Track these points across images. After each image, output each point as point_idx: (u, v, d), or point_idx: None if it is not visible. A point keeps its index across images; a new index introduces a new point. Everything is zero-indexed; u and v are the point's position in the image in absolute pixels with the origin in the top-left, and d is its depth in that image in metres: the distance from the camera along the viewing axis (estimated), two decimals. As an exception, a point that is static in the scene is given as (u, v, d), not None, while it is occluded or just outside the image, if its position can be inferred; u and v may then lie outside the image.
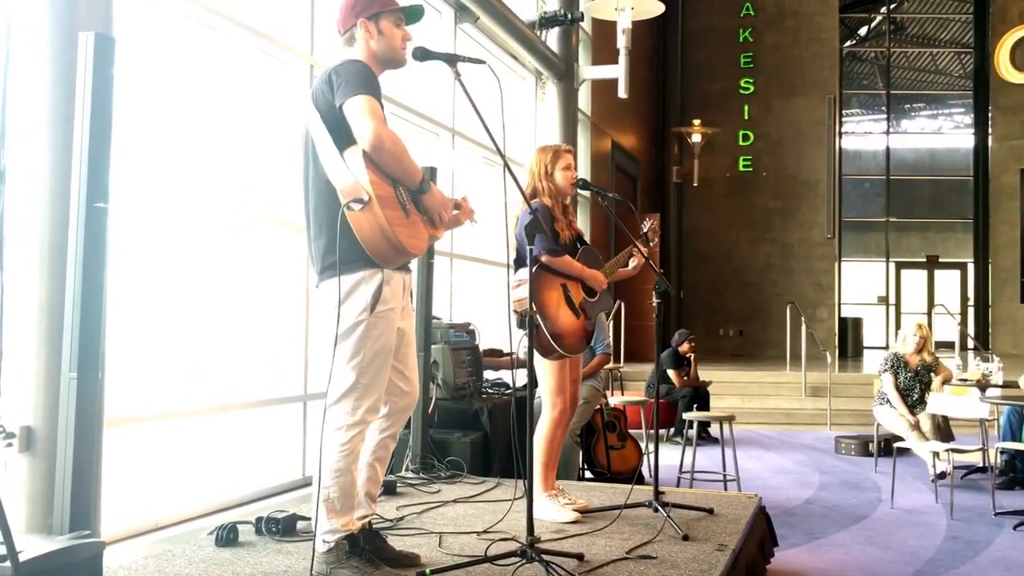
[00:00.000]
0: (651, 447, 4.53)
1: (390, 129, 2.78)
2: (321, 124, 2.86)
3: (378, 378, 2.92)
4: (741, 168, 17.12)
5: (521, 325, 3.62)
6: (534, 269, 3.80)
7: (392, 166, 2.81)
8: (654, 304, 4.14)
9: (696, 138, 16.61)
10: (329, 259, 2.87)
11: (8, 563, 2.35)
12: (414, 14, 3.09)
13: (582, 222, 11.56)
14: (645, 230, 4.37)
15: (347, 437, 2.89)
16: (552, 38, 10.02)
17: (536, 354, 3.87)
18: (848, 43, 20.02)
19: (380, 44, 2.99)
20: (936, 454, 6.38)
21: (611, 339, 7.44)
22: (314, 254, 2.96)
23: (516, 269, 4.00)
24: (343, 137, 2.83)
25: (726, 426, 6.35)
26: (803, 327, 11.85)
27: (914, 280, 20.06)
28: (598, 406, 6.56)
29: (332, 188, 2.86)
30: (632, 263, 4.26)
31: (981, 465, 7.03)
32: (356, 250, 2.82)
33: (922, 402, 7.07)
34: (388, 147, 2.76)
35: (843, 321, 17.46)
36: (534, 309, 3.57)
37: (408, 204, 2.90)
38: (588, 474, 6.54)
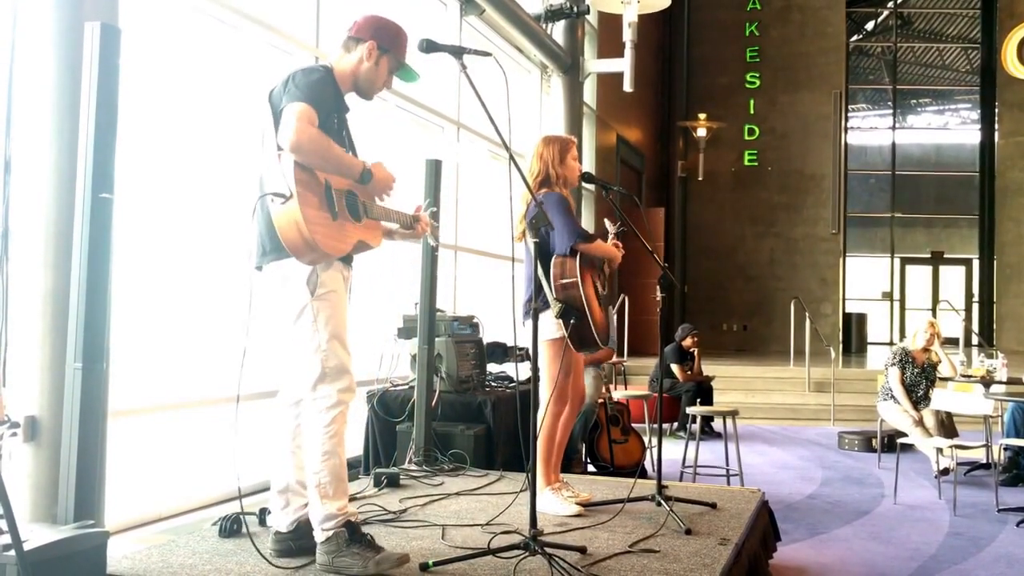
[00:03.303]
0: (654, 441, 4.53)
1: (313, 130, 2.82)
2: (271, 121, 2.93)
3: (342, 359, 2.96)
4: (746, 162, 17.08)
5: (562, 316, 3.60)
6: (577, 258, 3.83)
7: (318, 164, 2.86)
8: (658, 298, 4.13)
9: (701, 132, 16.58)
10: (265, 246, 2.96)
11: (13, 552, 2.36)
12: (407, 75, 3.23)
13: (586, 215, 11.55)
14: (614, 231, 4.35)
15: (329, 418, 2.93)
16: (558, 31, 10.01)
17: (541, 348, 3.87)
18: (855, 38, 19.95)
19: (368, 72, 3.11)
20: (939, 450, 6.38)
21: (615, 335, 7.44)
22: (255, 238, 3.02)
23: (536, 255, 3.96)
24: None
25: (729, 421, 6.35)
26: (807, 322, 11.83)
27: (919, 276, 20.02)
28: (601, 400, 6.56)
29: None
30: None
31: (984, 462, 7.02)
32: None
33: (926, 398, 7.07)
34: (307, 147, 2.80)
35: (847, 317, 17.43)
36: (538, 301, 3.57)
37: (339, 207, 2.95)
38: (591, 468, 6.54)
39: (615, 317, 8.04)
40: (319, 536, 2.93)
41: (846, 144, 17.94)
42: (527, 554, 3.01)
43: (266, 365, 5.28)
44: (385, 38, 3.11)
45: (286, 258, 2.89)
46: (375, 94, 3.19)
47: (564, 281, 3.81)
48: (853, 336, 17.35)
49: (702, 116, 16.62)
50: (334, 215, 2.92)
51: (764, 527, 4.15)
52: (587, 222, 11.35)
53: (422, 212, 3.44)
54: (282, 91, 2.93)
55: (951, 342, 13.95)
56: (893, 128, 19.99)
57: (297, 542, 3.07)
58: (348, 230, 2.98)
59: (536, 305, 3.44)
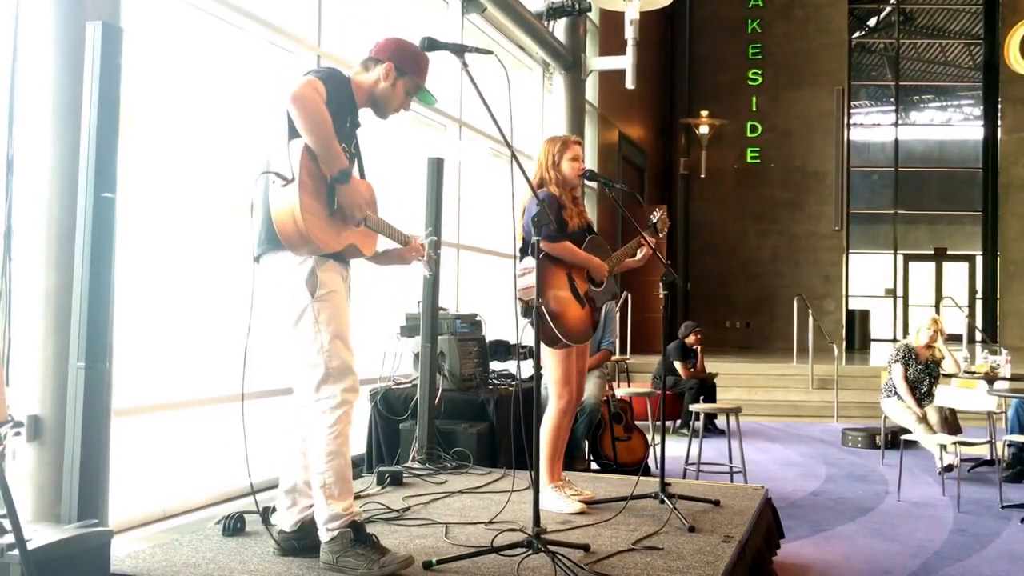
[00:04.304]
0: (657, 439, 4.53)
1: (318, 98, 2.79)
2: (286, 121, 2.92)
3: (345, 358, 2.96)
4: (749, 160, 17.07)
5: (526, 314, 3.60)
6: (540, 256, 3.79)
7: (307, 127, 2.78)
8: (661, 296, 4.12)
9: (704, 129, 16.56)
10: (263, 236, 2.95)
11: (17, 551, 2.36)
12: (425, 98, 3.28)
13: (589, 213, 11.51)
14: (654, 221, 4.35)
15: (333, 418, 2.92)
16: (559, 29, 9.98)
17: (543, 344, 3.87)
18: (857, 34, 19.91)
19: (385, 92, 3.14)
20: (943, 447, 6.37)
21: (618, 337, 7.42)
22: (255, 232, 3.02)
23: (522, 258, 3.98)
24: (295, 129, 2.88)
25: (732, 418, 6.35)
26: (810, 319, 11.83)
27: (922, 272, 19.99)
28: (604, 397, 6.56)
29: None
30: (639, 254, 4.25)
31: (988, 458, 7.01)
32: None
33: (930, 395, 7.06)
34: (307, 105, 2.75)
35: (850, 313, 17.42)
36: (540, 299, 3.56)
37: (339, 206, 2.94)
38: (594, 465, 6.54)
39: (617, 314, 8.02)
40: (324, 536, 2.93)
41: (849, 141, 17.92)
42: (530, 552, 3.01)
43: (270, 363, 5.29)
44: (404, 61, 3.13)
45: (281, 251, 2.89)
46: (390, 114, 3.21)
47: (522, 278, 3.80)
48: (856, 333, 17.33)
49: (704, 113, 16.60)
50: (331, 211, 2.91)
51: (767, 524, 4.15)
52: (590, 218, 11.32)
53: (421, 240, 3.41)
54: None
55: (954, 339, 13.93)
56: (896, 124, 19.97)
57: (301, 541, 3.08)
58: (342, 230, 2.97)
59: (535, 304, 3.43)
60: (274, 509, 3.22)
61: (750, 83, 16.98)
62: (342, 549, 2.88)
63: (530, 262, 3.74)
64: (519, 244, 3.98)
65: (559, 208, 3.99)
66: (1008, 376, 7.36)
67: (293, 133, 2.87)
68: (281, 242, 2.86)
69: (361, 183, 3.03)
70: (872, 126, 20.81)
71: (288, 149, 2.84)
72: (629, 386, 9.22)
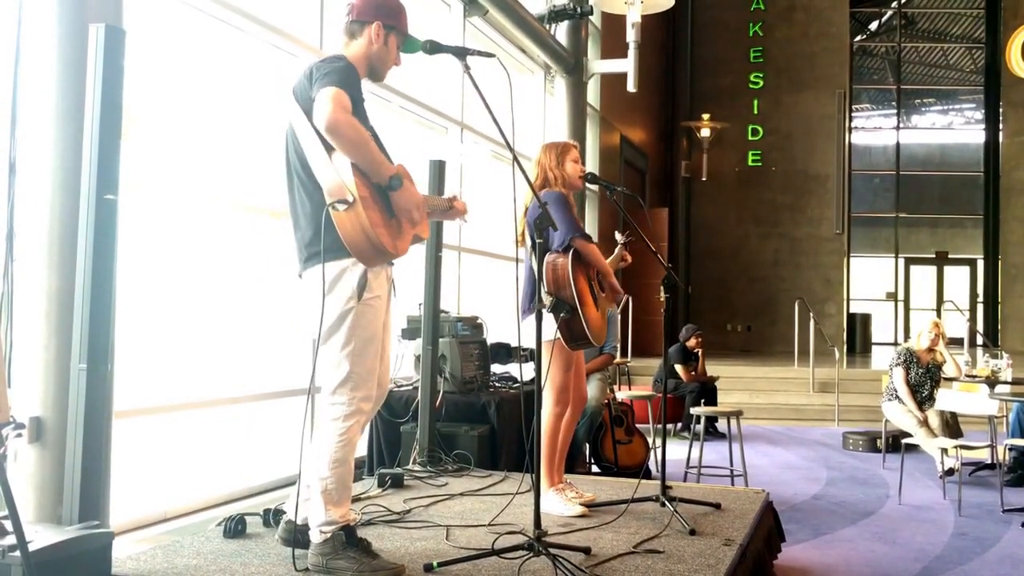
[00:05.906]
0: (658, 442, 4.53)
1: (349, 115, 2.76)
2: (306, 120, 2.87)
3: (371, 367, 2.94)
4: (750, 163, 17.07)
5: (553, 310, 3.57)
6: (570, 254, 3.81)
7: (350, 152, 2.78)
8: (662, 299, 4.13)
9: (705, 132, 16.57)
10: (313, 248, 2.91)
11: (18, 553, 2.37)
12: (413, 45, 3.18)
13: (590, 216, 11.54)
14: (622, 241, 4.40)
15: (344, 427, 2.90)
16: (561, 32, 10.00)
17: (561, 343, 3.86)
18: (859, 38, 19.94)
19: (379, 52, 3.08)
20: (944, 450, 6.37)
21: (619, 341, 7.43)
22: (297, 244, 3.00)
23: (540, 255, 3.96)
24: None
25: (733, 421, 6.35)
26: (811, 323, 11.83)
27: (923, 276, 19.99)
28: (605, 400, 6.56)
29: (315, 182, 2.89)
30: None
31: (989, 462, 7.01)
32: (340, 241, 2.83)
33: (931, 399, 7.06)
34: (344, 130, 2.73)
35: (851, 317, 17.41)
36: (542, 299, 3.55)
37: (395, 205, 2.91)
38: (595, 468, 6.54)
39: (619, 318, 8.02)
40: (315, 537, 2.91)
41: (850, 144, 17.93)
42: (531, 555, 3.01)
43: (274, 365, 5.30)
44: (388, 15, 3.08)
45: (334, 260, 2.85)
46: (386, 74, 3.15)
47: (556, 276, 3.81)
48: (857, 336, 17.32)
49: (706, 116, 16.60)
50: (391, 213, 2.89)
51: (768, 527, 4.15)
52: (591, 223, 11.35)
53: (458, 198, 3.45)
54: (308, 83, 2.88)
55: (956, 342, 13.93)
56: (897, 128, 19.99)
57: (305, 536, 3.05)
58: (404, 227, 2.96)
59: (537, 306, 3.43)
60: (281, 511, 3.21)
61: (751, 86, 16.99)
62: (333, 551, 2.87)
63: (556, 257, 3.77)
64: (527, 243, 3.98)
65: (568, 207, 4.00)
66: (1009, 380, 7.35)
67: (331, 146, 2.81)
68: (344, 251, 2.81)
69: (409, 182, 2.96)
70: (874, 129, 20.84)
71: (336, 169, 2.80)
72: (630, 389, 9.22)
